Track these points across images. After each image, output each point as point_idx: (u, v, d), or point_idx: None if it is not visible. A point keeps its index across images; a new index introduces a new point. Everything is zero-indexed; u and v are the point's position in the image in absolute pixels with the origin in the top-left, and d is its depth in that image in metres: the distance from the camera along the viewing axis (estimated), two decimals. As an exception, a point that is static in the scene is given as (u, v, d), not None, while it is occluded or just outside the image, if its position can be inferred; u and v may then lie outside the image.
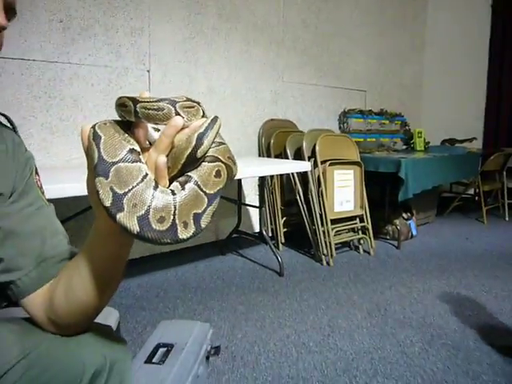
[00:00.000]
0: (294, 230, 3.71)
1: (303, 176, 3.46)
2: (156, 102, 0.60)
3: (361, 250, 3.54)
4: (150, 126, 0.65)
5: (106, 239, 0.68)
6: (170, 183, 0.60)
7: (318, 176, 3.33)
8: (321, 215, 3.32)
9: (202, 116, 0.64)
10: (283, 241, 3.61)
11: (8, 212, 0.74)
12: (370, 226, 3.52)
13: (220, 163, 0.62)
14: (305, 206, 3.42)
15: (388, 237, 3.86)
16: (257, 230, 3.70)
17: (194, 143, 0.59)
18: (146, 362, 1.50)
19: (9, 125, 0.87)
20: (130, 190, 0.57)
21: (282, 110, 3.95)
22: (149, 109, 0.59)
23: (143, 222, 0.56)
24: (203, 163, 0.61)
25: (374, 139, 4.48)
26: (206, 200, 0.60)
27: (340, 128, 4.37)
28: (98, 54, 2.78)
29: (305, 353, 2.02)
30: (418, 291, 2.75)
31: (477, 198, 4.92)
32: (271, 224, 3.72)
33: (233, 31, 3.53)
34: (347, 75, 4.61)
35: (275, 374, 1.84)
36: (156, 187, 0.58)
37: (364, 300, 2.61)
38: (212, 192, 0.61)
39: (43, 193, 0.84)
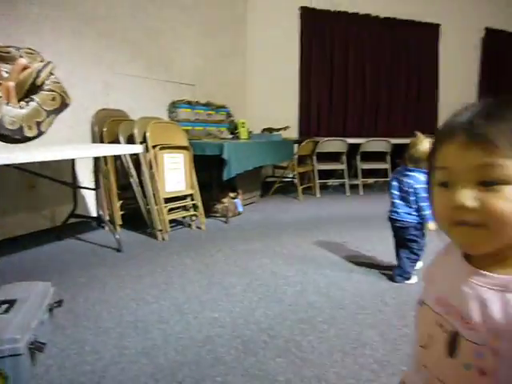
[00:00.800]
0: (131, 212, 3.91)
1: (136, 161, 3.69)
2: (5, 47, 0.86)
3: (193, 226, 3.91)
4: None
5: None
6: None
7: (150, 160, 3.60)
8: (154, 195, 3.60)
9: (41, 61, 0.91)
10: (121, 223, 3.79)
11: None
12: (200, 204, 3.91)
13: (55, 93, 0.91)
14: (139, 187, 3.66)
15: (218, 214, 4.30)
16: (94, 214, 3.82)
17: (34, 75, 0.86)
18: (-10, 315, 1.63)
19: None
20: None
21: (114, 100, 4.12)
22: (1, 52, 0.85)
23: None
24: (42, 91, 0.89)
25: (201, 128, 4.90)
26: (45, 114, 0.88)
27: (170, 117, 4.69)
28: None
29: (143, 304, 2.30)
30: (241, 251, 3.22)
31: (294, 179, 5.69)
32: (108, 209, 3.86)
33: (61, 20, 3.59)
34: (176, 70, 4.95)
35: (116, 322, 2.09)
36: (7, 104, 0.83)
37: (195, 262, 2.98)
38: (49, 109, 0.89)
39: None
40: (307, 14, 6.59)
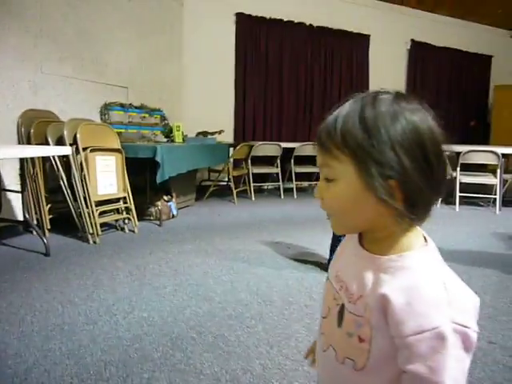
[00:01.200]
0: (61, 216, 3.80)
1: (66, 163, 3.61)
2: None
3: (126, 230, 3.86)
4: None
5: None
6: None
7: (81, 162, 3.53)
8: (85, 198, 3.52)
9: None
10: (49, 227, 3.68)
11: None
12: (133, 207, 3.87)
13: None
14: (69, 190, 3.58)
15: (152, 217, 4.28)
16: (20, 218, 3.68)
17: None
18: None
19: None
20: None
21: (43, 100, 3.99)
22: None
23: None
24: None
25: (135, 130, 4.85)
26: None
27: (102, 119, 4.61)
28: None
29: (70, 307, 2.26)
30: (174, 253, 3.24)
31: (230, 183, 5.75)
32: (36, 213, 3.74)
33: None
34: (109, 71, 4.86)
35: (41, 326, 2.04)
36: None
37: (126, 264, 2.95)
38: None
39: None
40: (243, 20, 6.69)
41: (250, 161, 5.82)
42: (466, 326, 0.58)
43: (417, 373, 0.59)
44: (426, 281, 0.62)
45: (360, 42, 7.70)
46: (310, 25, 7.20)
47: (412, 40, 8.17)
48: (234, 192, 5.58)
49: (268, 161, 6.13)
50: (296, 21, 7.07)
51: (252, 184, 5.84)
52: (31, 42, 3.88)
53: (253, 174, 5.86)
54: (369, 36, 7.73)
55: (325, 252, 2.82)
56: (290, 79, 7.15)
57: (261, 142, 5.95)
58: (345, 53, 7.59)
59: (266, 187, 6.59)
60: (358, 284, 0.68)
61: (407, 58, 8.28)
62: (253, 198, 5.80)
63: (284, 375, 1.68)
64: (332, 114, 0.67)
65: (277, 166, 6.05)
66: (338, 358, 0.70)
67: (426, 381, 0.58)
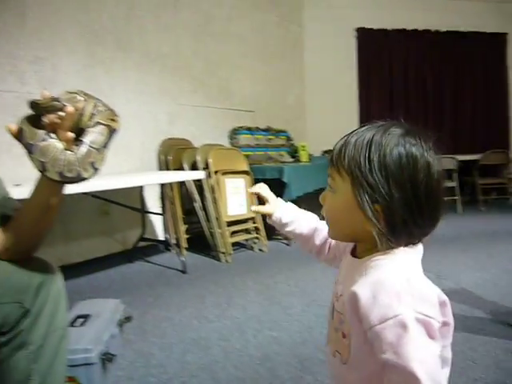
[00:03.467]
0: (195, 236, 4.08)
1: (200, 186, 3.87)
2: (48, 101, 0.96)
3: (256, 249, 4.01)
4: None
5: (41, 191, 1.06)
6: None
7: (213, 185, 3.76)
8: (217, 219, 3.74)
9: (85, 100, 1.01)
10: (186, 246, 3.96)
11: None
12: (262, 227, 4.01)
13: (102, 126, 1.01)
14: (203, 212, 3.83)
15: (281, 237, 4.37)
16: (161, 238, 4.03)
17: (75, 120, 0.98)
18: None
19: None
20: (49, 158, 0.96)
21: (178, 129, 4.36)
22: (46, 106, 0.96)
23: (60, 173, 0.96)
24: (90, 129, 1.00)
25: (262, 152, 5.04)
26: (96, 152, 1.00)
27: (230, 143, 4.87)
28: (2, 80, 3.01)
29: (205, 322, 2.40)
30: (302, 272, 3.27)
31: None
32: (174, 233, 4.05)
33: (128, 60, 3.90)
34: (236, 98, 5.15)
35: (179, 339, 2.20)
36: (63, 152, 0.97)
37: (256, 282, 3.06)
38: (99, 147, 1.00)
39: None
40: (364, 34, 6.63)
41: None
42: (428, 316, 0.63)
43: (387, 360, 0.63)
44: (390, 275, 0.68)
45: (495, 42, 7.12)
46: (436, 31, 6.87)
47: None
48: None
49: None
50: (420, 29, 6.80)
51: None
52: (168, 79, 4.28)
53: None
54: (505, 35, 7.12)
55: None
56: (417, 90, 6.89)
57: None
58: (478, 56, 7.07)
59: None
60: (342, 285, 0.78)
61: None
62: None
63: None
64: (349, 136, 0.75)
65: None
66: (332, 351, 0.79)
67: (396, 367, 0.62)
